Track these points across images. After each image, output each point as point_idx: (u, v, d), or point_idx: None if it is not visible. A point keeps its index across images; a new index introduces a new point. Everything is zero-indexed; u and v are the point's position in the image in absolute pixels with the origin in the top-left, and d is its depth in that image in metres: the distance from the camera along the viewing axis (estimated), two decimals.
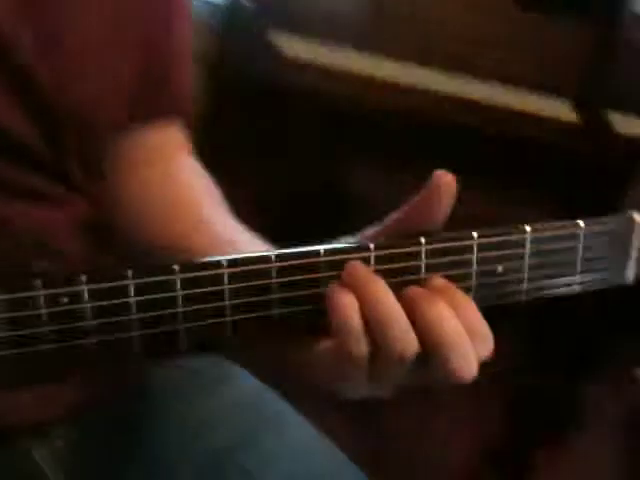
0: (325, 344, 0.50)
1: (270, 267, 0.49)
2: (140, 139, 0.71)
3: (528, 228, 0.54)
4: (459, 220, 0.52)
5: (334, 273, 0.50)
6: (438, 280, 0.51)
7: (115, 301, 0.46)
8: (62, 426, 0.69)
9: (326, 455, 0.74)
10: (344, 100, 1.54)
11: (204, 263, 0.48)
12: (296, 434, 0.73)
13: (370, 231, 0.54)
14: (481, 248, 0.53)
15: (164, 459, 0.69)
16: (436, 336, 0.49)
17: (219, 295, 0.47)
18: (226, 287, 0.48)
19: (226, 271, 0.48)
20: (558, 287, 0.56)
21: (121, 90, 0.66)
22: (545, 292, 0.56)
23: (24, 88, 0.59)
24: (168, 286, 0.47)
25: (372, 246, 0.50)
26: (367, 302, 0.49)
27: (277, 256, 0.49)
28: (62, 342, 0.45)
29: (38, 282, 0.44)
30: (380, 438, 1.15)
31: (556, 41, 1.47)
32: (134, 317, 0.46)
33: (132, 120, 0.69)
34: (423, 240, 0.51)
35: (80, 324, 0.45)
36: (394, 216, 0.53)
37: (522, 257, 0.54)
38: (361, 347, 0.48)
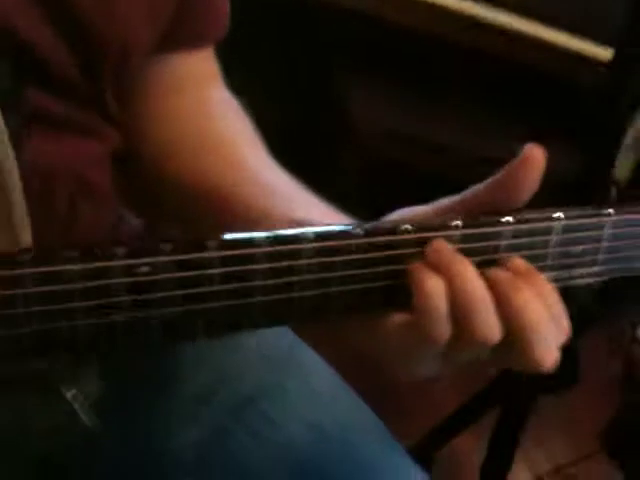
0: (400, 320, 0.48)
1: (352, 243, 0.46)
2: (171, 65, 0.68)
3: (611, 210, 0.52)
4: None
5: (416, 250, 0.47)
6: (520, 262, 0.49)
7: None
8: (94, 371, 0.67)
9: (351, 406, 0.73)
10: (347, 14, 1.47)
11: (285, 236, 0.45)
12: (322, 384, 0.73)
13: (446, 202, 0.51)
14: (564, 229, 0.50)
15: (190, 405, 0.69)
16: (521, 321, 0.47)
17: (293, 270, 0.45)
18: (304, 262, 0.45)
19: (308, 246, 0.45)
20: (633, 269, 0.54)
21: (155, 12, 0.62)
22: (618, 274, 0.54)
23: (60, 11, 0.55)
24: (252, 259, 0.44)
25: (460, 224, 0.48)
26: (453, 283, 0.46)
27: (365, 231, 0.46)
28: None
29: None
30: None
31: None
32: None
33: (165, 45, 0.65)
34: (510, 220, 0.49)
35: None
36: (476, 189, 0.50)
37: (600, 239, 0.52)
38: (442, 328, 0.47)
